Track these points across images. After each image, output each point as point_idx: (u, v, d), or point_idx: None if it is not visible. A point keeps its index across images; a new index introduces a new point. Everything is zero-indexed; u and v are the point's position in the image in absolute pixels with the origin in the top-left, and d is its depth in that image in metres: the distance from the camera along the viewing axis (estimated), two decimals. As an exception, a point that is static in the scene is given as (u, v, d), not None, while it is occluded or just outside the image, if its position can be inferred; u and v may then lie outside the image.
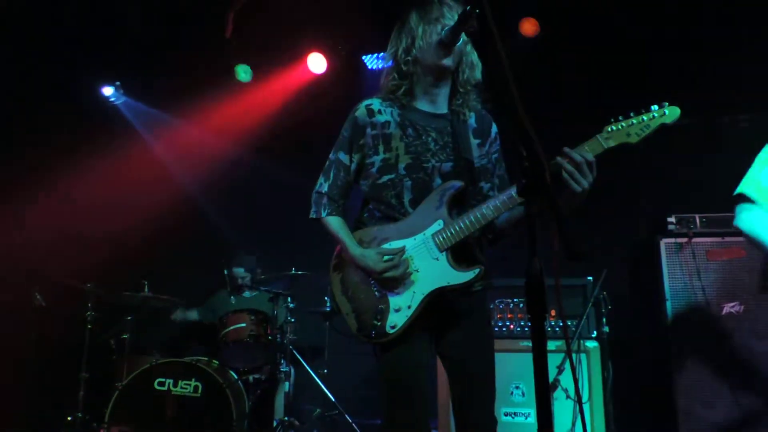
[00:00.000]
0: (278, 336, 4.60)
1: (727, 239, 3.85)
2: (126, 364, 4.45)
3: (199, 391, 4.19)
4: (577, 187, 1.90)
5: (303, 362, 4.70)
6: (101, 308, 4.70)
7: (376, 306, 2.08)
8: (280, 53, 5.65)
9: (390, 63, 2.27)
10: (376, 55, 5.63)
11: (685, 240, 3.93)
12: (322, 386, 4.64)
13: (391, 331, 2.04)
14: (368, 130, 2.21)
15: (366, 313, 2.09)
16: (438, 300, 2.07)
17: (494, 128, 2.33)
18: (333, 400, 4.58)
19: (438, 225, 2.09)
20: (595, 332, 3.75)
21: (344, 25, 5.27)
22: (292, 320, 4.65)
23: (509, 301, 3.96)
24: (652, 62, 4.80)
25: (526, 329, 3.94)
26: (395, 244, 2.12)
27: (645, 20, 4.71)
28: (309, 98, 5.69)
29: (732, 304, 3.75)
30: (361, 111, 2.24)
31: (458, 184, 2.12)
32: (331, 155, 2.30)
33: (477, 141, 2.27)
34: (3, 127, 5.46)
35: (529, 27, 4.92)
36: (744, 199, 2.74)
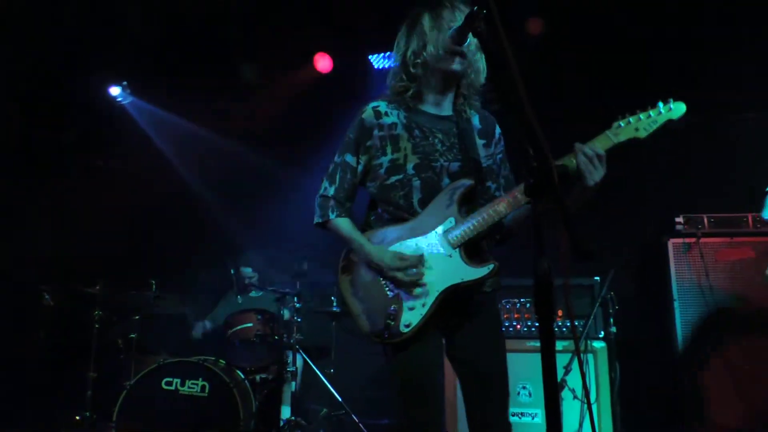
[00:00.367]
0: (285, 336, 4.61)
1: (736, 240, 3.84)
2: (134, 363, 4.47)
3: (207, 390, 4.19)
4: (590, 181, 1.89)
5: (310, 362, 4.70)
6: (109, 308, 4.72)
7: (388, 306, 2.05)
8: (287, 53, 5.66)
9: (397, 63, 2.25)
10: (382, 54, 5.62)
11: (693, 240, 3.91)
12: (329, 386, 4.64)
13: (406, 330, 2.01)
14: (375, 131, 2.20)
15: (378, 314, 2.07)
16: (452, 298, 2.05)
17: (498, 129, 2.33)
18: (340, 400, 4.58)
19: (450, 222, 2.07)
20: (602, 332, 3.74)
21: (350, 25, 5.26)
22: (299, 320, 4.66)
23: (516, 300, 3.95)
24: (653, 61, 4.79)
25: (533, 329, 3.93)
26: (408, 243, 2.09)
27: (646, 20, 4.69)
28: (315, 98, 5.70)
29: None
30: (368, 113, 2.23)
31: (468, 182, 2.12)
32: (335, 158, 2.27)
33: (482, 141, 2.26)
34: (9, 128, 5.49)
35: (535, 27, 4.91)
36: None
